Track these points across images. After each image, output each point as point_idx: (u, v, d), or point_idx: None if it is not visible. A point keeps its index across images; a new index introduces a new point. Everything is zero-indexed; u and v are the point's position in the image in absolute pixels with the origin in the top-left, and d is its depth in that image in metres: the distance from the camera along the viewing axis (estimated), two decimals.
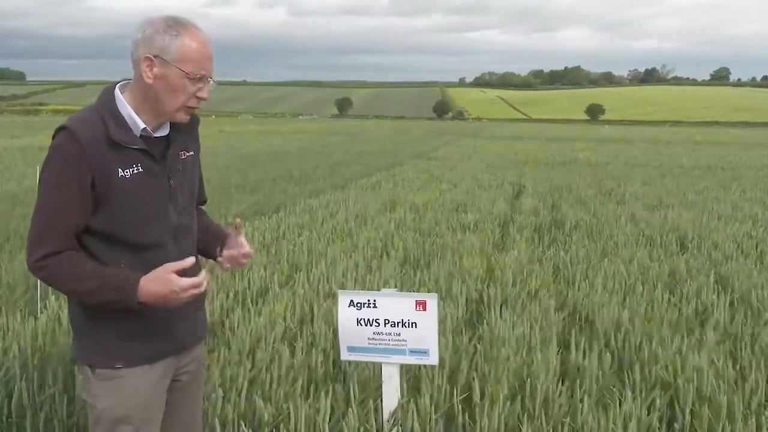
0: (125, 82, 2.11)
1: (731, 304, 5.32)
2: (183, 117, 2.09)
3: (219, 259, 2.24)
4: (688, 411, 3.43)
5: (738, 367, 3.94)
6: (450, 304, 4.96)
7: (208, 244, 2.31)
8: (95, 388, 2.11)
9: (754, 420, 3.28)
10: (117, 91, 2.08)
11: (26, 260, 2.03)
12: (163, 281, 1.98)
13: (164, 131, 2.13)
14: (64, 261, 1.98)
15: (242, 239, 2.25)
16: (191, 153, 2.21)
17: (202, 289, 2.05)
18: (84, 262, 2.01)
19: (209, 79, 2.06)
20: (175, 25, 1.99)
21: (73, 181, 1.96)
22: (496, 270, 6.13)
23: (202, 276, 2.05)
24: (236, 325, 4.40)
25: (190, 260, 2.04)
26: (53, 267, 1.99)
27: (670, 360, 3.94)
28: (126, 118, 2.04)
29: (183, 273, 2.03)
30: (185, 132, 2.18)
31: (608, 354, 4.06)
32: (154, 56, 1.98)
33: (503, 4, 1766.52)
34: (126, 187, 2.01)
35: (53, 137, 2.01)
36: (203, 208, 2.47)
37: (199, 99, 2.07)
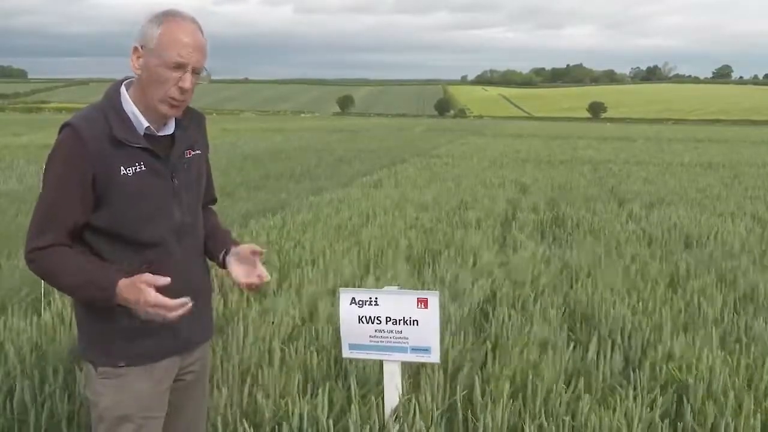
0: (131, 79, 2.11)
1: (737, 302, 5.32)
2: (166, 109, 2.04)
3: (234, 276, 2.22)
4: (696, 408, 3.43)
5: (747, 364, 3.93)
6: (453, 302, 4.96)
7: (214, 248, 2.30)
8: (98, 386, 2.11)
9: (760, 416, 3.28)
10: (123, 89, 2.08)
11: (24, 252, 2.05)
12: (134, 289, 1.94)
13: (169, 130, 2.13)
14: (52, 255, 1.99)
15: (260, 267, 2.23)
16: (198, 152, 2.21)
17: (172, 314, 1.96)
18: (73, 257, 2.01)
19: (193, 68, 2.01)
20: (162, 15, 2.00)
21: (74, 179, 1.97)
22: (499, 268, 6.13)
23: (181, 301, 1.97)
24: (238, 323, 4.40)
25: (164, 280, 1.95)
26: (41, 260, 2.01)
27: (680, 358, 3.94)
28: (130, 116, 2.04)
29: (188, 275, 2.04)
30: (191, 130, 2.18)
31: (614, 353, 4.06)
32: (140, 46, 2.00)
33: (511, 1, 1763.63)
34: (128, 185, 2.01)
35: (58, 134, 2.02)
36: (213, 207, 2.46)
37: (181, 89, 2.02)
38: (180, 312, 1.97)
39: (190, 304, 1.99)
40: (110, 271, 2.00)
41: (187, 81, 2.01)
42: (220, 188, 11.33)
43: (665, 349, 4.11)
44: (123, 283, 1.96)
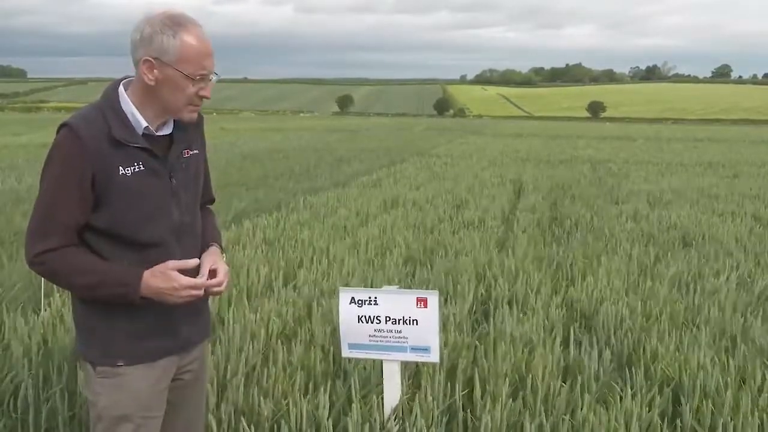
0: (129, 79, 2.10)
1: (735, 301, 5.32)
2: (189, 116, 2.08)
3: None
4: (692, 407, 3.43)
5: (743, 364, 3.93)
6: (452, 302, 4.96)
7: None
8: (97, 385, 2.11)
9: (757, 416, 3.28)
10: (121, 89, 2.08)
11: (25, 255, 2.05)
12: (165, 276, 2.00)
13: (167, 130, 2.13)
14: (64, 256, 1.99)
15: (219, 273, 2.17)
16: (195, 151, 2.21)
17: (201, 292, 2.07)
18: (84, 257, 2.02)
19: (211, 76, 2.05)
20: (173, 24, 1.97)
21: (73, 179, 1.97)
22: (499, 267, 6.13)
23: (203, 279, 2.07)
24: (236, 323, 4.40)
25: (193, 261, 2.07)
26: (52, 262, 2.00)
27: (673, 357, 3.94)
28: (129, 116, 2.04)
29: (187, 274, 2.05)
30: (189, 130, 2.18)
31: (608, 351, 4.06)
32: (154, 58, 1.97)
33: (511, 1, 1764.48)
34: (127, 185, 2.01)
35: (56, 133, 2.02)
36: (211, 207, 2.47)
37: (202, 97, 2.06)
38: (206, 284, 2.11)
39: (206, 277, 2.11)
40: (126, 267, 2.03)
41: (208, 90, 2.06)
42: (219, 187, 11.31)
43: (654, 348, 4.11)
44: (149, 274, 2.00)
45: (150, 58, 1.97)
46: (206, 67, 2.02)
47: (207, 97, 2.07)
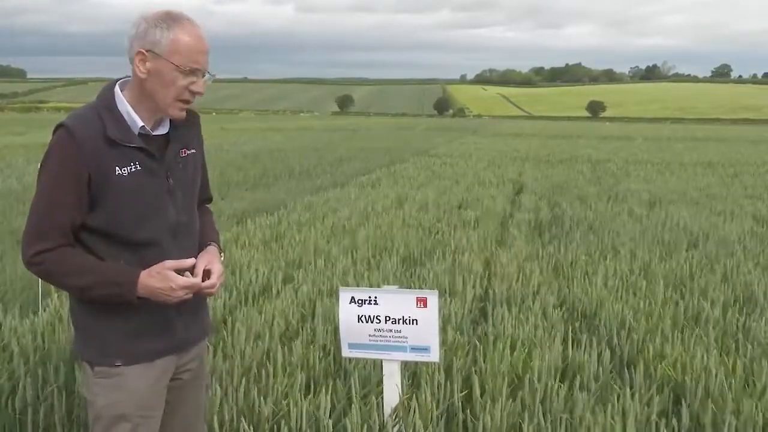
0: (126, 79, 2.11)
1: (735, 301, 5.31)
2: (177, 112, 2.07)
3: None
4: (694, 407, 3.42)
5: (743, 364, 3.92)
6: (452, 302, 4.95)
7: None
8: (95, 385, 2.11)
9: (761, 415, 3.27)
10: (117, 89, 2.07)
11: (22, 255, 2.04)
12: (161, 276, 2.00)
13: (164, 129, 2.13)
14: (62, 256, 1.99)
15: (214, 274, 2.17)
16: (192, 151, 2.20)
17: (189, 295, 2.06)
18: (82, 257, 2.02)
19: (204, 73, 2.05)
20: (167, 19, 1.99)
21: (69, 179, 1.97)
22: (498, 267, 6.12)
23: (198, 279, 2.07)
24: (236, 323, 4.40)
25: (189, 261, 2.07)
26: (50, 262, 2.00)
27: (676, 357, 3.93)
28: (124, 115, 2.04)
29: (184, 273, 2.04)
30: (186, 130, 2.17)
31: (608, 351, 4.05)
32: (147, 51, 1.98)
33: (511, 0, 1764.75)
34: (123, 185, 2.01)
35: (53, 134, 2.01)
36: (209, 206, 2.46)
37: (193, 93, 2.05)
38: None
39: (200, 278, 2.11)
40: (123, 267, 2.02)
41: (201, 85, 2.05)
42: (218, 187, 11.33)
43: (662, 348, 4.10)
44: (145, 274, 2.00)
45: (143, 50, 1.98)
46: (198, 62, 2.02)
47: (199, 93, 2.06)
